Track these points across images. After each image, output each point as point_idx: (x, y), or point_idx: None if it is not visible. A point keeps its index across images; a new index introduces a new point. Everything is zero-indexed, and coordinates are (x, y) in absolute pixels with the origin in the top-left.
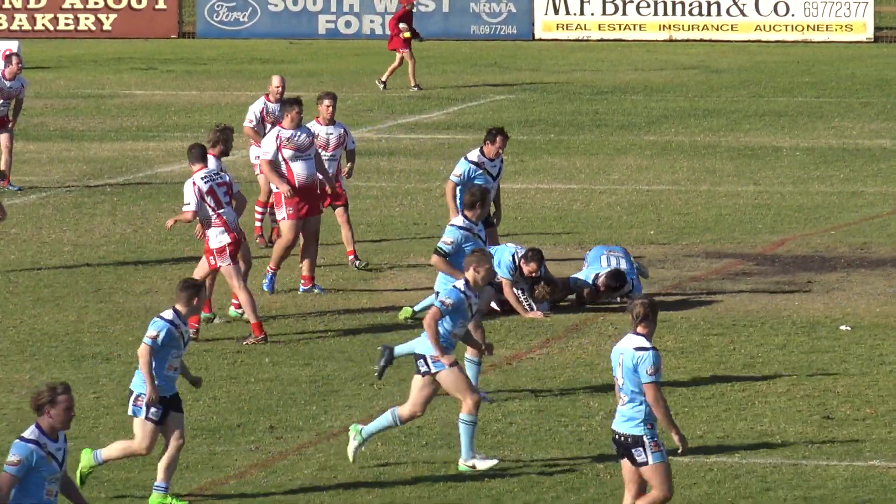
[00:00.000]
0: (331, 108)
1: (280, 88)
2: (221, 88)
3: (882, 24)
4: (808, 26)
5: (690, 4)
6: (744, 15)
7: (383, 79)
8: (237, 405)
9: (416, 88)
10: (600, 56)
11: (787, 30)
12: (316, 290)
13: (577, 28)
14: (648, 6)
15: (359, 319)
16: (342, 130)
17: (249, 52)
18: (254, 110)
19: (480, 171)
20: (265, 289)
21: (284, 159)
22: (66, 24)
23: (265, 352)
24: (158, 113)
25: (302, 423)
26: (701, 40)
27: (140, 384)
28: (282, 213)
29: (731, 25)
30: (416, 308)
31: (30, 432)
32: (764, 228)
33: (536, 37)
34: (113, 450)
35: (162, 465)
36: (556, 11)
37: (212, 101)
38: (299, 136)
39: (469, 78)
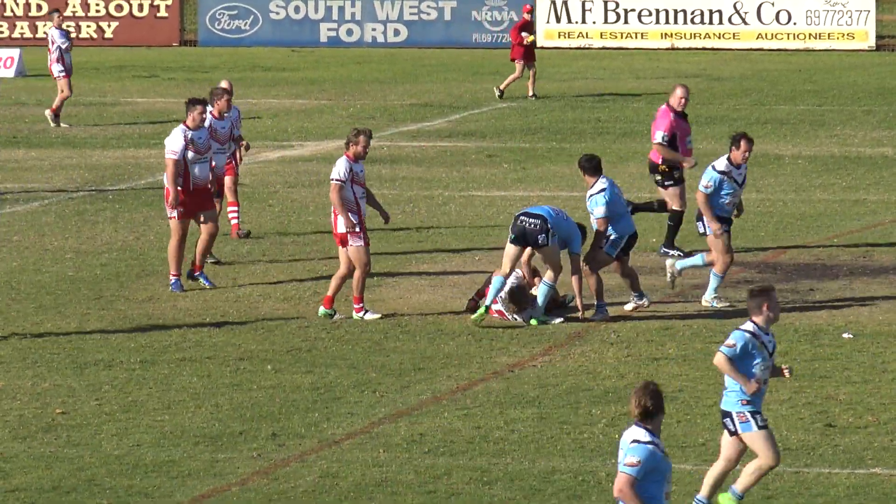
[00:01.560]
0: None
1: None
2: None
3: (884, 32)
4: (809, 34)
5: (692, 13)
6: (745, 23)
7: (501, 87)
8: (239, 412)
9: (533, 98)
10: (602, 64)
11: (788, 38)
12: (201, 280)
13: (578, 36)
14: (650, 14)
15: (361, 326)
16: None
17: (251, 60)
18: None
19: (727, 180)
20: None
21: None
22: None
23: (267, 359)
24: (160, 120)
25: (304, 430)
26: (703, 48)
27: (733, 402)
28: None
29: (733, 34)
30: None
31: (643, 434)
32: (766, 236)
33: (538, 45)
34: (746, 478)
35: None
36: (558, 20)
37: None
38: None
39: (470, 86)
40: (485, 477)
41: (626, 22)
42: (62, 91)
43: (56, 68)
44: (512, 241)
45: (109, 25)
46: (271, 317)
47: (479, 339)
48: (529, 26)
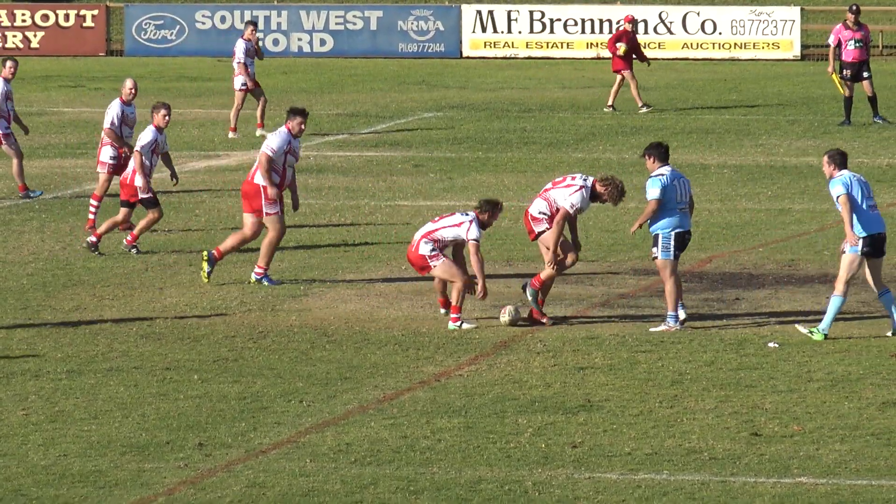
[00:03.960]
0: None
1: (133, 91)
2: (149, 106)
3: (809, 41)
4: (735, 44)
5: (618, 22)
6: (671, 33)
7: (610, 102)
8: (166, 422)
9: (644, 108)
10: (528, 74)
11: (714, 48)
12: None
13: (504, 46)
14: (576, 24)
15: (288, 336)
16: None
17: (177, 70)
18: (113, 113)
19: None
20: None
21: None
22: None
23: (194, 369)
24: (86, 130)
25: (231, 439)
26: None
27: None
28: (274, 208)
29: (659, 43)
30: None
31: None
32: (692, 246)
33: (464, 55)
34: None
35: None
36: (484, 29)
37: (140, 119)
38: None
39: (397, 96)
40: (411, 486)
41: (551, 32)
42: None
43: None
44: None
45: (35, 35)
46: (198, 326)
47: (406, 349)
48: (628, 37)
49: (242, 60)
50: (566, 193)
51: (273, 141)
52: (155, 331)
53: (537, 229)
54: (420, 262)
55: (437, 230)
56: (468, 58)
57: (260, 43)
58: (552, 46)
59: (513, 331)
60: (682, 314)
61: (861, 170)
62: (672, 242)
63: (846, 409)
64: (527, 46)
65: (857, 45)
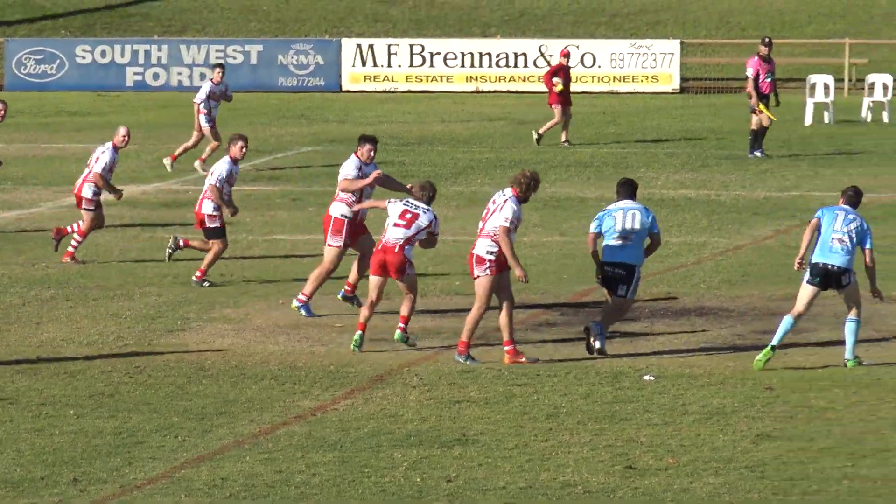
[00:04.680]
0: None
1: (126, 138)
2: (29, 141)
3: (688, 74)
4: (614, 77)
5: (497, 56)
6: (550, 66)
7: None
8: (41, 458)
9: (566, 144)
10: (407, 108)
11: (593, 81)
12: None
13: (384, 80)
14: (455, 58)
15: (164, 371)
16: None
17: (57, 105)
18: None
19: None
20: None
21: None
22: None
23: (70, 404)
24: None
25: (106, 475)
26: (507, 91)
27: None
28: (339, 240)
29: (538, 77)
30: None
31: None
32: (570, 279)
33: (344, 88)
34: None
35: None
36: (364, 63)
37: (19, 154)
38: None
39: (276, 130)
40: None
41: (431, 65)
42: None
43: None
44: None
45: None
46: (74, 361)
47: (282, 383)
48: (562, 71)
49: (200, 101)
50: (498, 217)
51: (348, 168)
52: (31, 366)
53: (476, 272)
54: (402, 264)
55: (413, 235)
56: (348, 91)
57: (227, 89)
58: (432, 80)
59: (389, 364)
60: (597, 344)
61: (739, 203)
62: (596, 269)
63: (721, 441)
64: (406, 80)
65: (769, 77)
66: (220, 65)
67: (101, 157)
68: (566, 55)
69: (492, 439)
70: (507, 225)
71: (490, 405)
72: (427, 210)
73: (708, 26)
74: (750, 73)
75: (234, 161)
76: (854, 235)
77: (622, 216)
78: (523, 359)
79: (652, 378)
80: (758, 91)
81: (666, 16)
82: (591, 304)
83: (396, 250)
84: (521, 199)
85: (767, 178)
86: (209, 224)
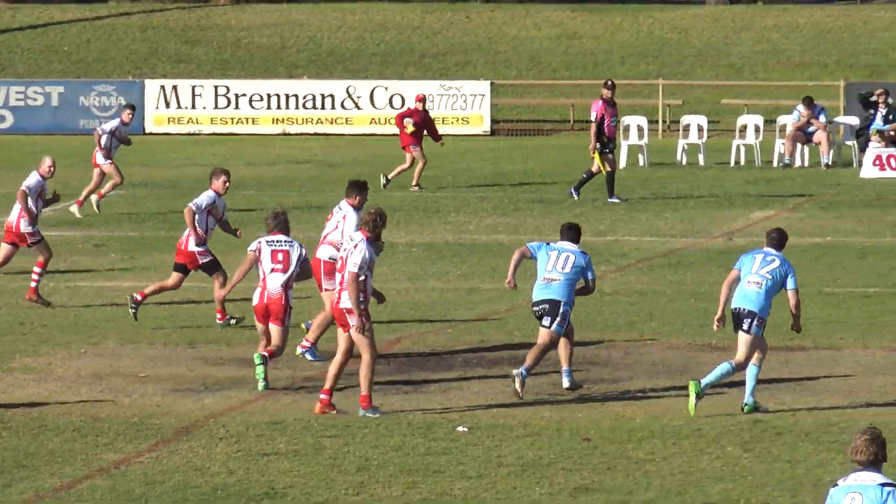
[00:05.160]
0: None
1: (52, 168)
2: None
3: (499, 116)
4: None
5: (304, 97)
6: (358, 108)
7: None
8: None
9: (416, 189)
10: (212, 150)
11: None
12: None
13: (188, 122)
14: (261, 99)
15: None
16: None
17: None
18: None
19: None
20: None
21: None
22: None
23: None
24: None
25: None
26: (315, 134)
27: None
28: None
29: (346, 119)
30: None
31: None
32: (380, 327)
33: (147, 131)
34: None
35: None
36: (168, 105)
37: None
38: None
39: (79, 173)
40: None
41: (237, 107)
42: None
43: None
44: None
45: None
46: None
47: (85, 435)
48: (417, 114)
49: (104, 132)
50: (348, 263)
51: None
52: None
53: (351, 322)
54: (283, 310)
55: (292, 273)
56: (151, 134)
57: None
58: (237, 122)
59: (195, 416)
60: (565, 382)
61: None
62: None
63: (537, 494)
64: (211, 122)
65: (615, 121)
66: (131, 105)
67: (27, 181)
68: (421, 100)
69: (301, 493)
70: (356, 271)
71: (299, 457)
72: (290, 241)
73: (519, 66)
74: (594, 116)
75: (218, 195)
76: (771, 276)
77: (556, 256)
78: (334, 411)
79: (465, 429)
80: (603, 135)
81: (475, 56)
82: (401, 354)
83: (277, 297)
84: (373, 239)
85: (581, 222)
86: (202, 260)
